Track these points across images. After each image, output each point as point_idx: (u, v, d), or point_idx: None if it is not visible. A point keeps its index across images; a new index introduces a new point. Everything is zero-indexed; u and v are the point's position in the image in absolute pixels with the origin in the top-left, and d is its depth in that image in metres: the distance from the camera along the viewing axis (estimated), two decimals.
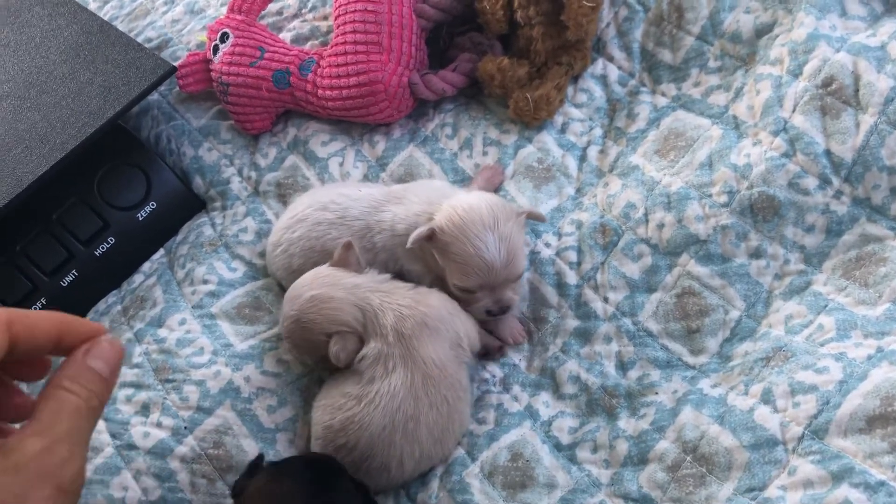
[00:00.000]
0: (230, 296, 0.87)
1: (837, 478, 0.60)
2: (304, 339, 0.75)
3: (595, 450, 0.72)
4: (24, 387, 0.55)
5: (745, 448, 0.66)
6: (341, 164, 0.95)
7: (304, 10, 1.09)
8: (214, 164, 1.00)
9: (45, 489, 0.42)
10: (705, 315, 0.76)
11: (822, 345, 0.69)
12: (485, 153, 0.92)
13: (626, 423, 0.73)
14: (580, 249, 0.82)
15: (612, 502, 0.69)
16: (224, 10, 1.05)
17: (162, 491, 0.75)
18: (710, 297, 0.76)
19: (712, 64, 0.87)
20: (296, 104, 0.97)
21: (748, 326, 0.75)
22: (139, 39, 1.13)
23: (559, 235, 0.84)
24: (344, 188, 0.86)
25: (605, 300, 0.79)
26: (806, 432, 0.64)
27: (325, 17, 1.07)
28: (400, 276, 0.80)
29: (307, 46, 1.04)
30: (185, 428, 0.77)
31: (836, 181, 0.75)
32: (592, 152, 0.90)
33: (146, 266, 0.95)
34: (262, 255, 0.91)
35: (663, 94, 0.90)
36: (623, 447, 0.71)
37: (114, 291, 0.94)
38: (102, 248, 0.94)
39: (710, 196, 0.78)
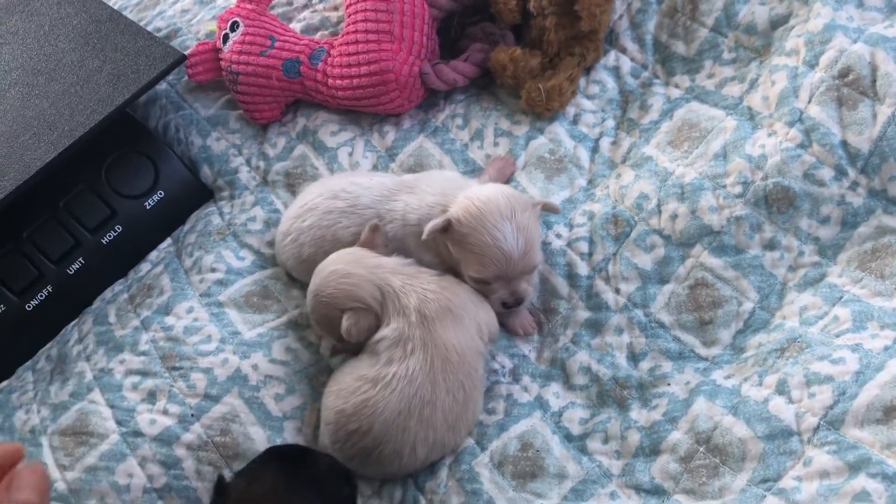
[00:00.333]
0: (238, 284, 0.86)
1: (854, 468, 0.60)
2: (323, 315, 0.75)
3: (606, 440, 0.72)
4: None
5: (760, 439, 0.65)
6: (350, 154, 0.94)
7: (314, 1, 1.09)
8: (223, 153, 0.99)
9: None
10: (718, 306, 0.75)
11: (837, 336, 0.68)
12: (496, 144, 0.91)
13: (637, 414, 0.72)
14: (592, 240, 0.81)
15: (623, 493, 0.68)
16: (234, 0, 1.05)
17: (167, 478, 0.74)
18: (724, 288, 0.75)
19: (726, 55, 0.87)
20: (305, 94, 0.97)
21: (762, 318, 0.74)
22: (148, 28, 1.13)
23: (570, 226, 0.83)
24: (355, 177, 0.86)
25: (617, 291, 0.79)
26: (822, 423, 0.63)
27: (336, 8, 1.06)
28: None
29: (317, 36, 1.04)
30: (192, 415, 0.76)
31: (851, 172, 0.74)
32: (604, 143, 0.89)
33: (153, 255, 0.94)
34: (271, 244, 0.90)
35: (676, 86, 0.89)
36: (635, 438, 0.70)
37: (120, 280, 0.94)
38: (109, 236, 0.93)
39: (725, 187, 0.77)
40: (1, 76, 1.00)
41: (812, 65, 0.78)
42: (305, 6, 1.09)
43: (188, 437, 0.75)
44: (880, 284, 0.70)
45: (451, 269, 0.78)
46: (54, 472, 0.74)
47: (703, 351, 0.74)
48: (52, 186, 0.92)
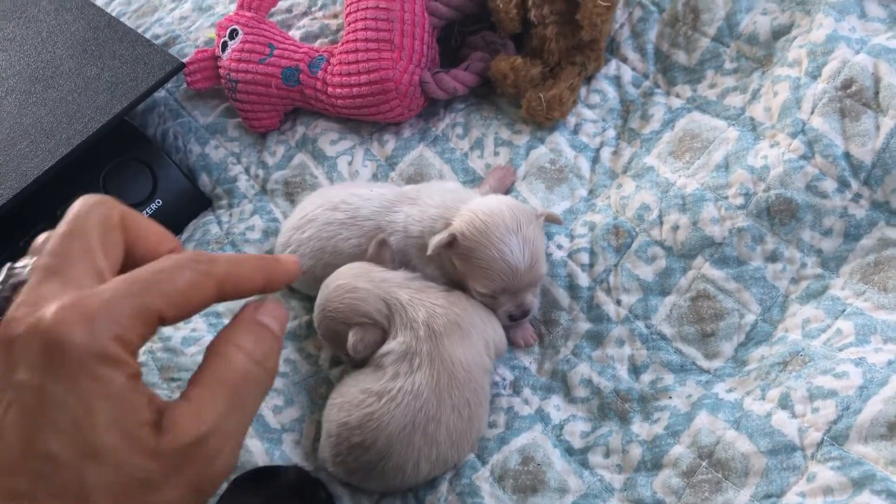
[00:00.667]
0: None
1: (858, 485, 0.59)
2: (330, 330, 0.74)
3: (608, 454, 0.71)
4: None
5: (763, 454, 0.64)
6: (350, 163, 0.94)
7: (313, 8, 1.09)
8: (221, 161, 0.99)
9: (179, 487, 0.36)
10: (720, 319, 0.75)
11: (840, 349, 0.68)
12: (496, 153, 0.90)
13: (639, 428, 0.71)
14: (592, 251, 0.81)
15: None
16: (233, 7, 1.05)
17: None
18: (725, 300, 0.75)
19: (728, 65, 0.86)
20: (305, 102, 0.96)
21: (764, 330, 0.74)
22: (147, 36, 1.12)
23: (571, 237, 0.83)
24: (355, 188, 0.85)
25: (618, 303, 0.78)
26: (825, 438, 0.63)
27: (336, 16, 1.06)
28: None
29: (316, 44, 1.03)
30: None
31: (854, 184, 0.74)
32: (605, 153, 0.88)
33: None
34: (270, 253, 0.89)
35: (678, 96, 0.89)
36: (636, 452, 0.70)
37: None
38: None
39: (726, 198, 0.77)
40: None
41: (814, 76, 0.77)
42: (305, 14, 1.08)
43: None
44: (883, 297, 0.69)
45: (454, 281, 0.77)
46: None
47: (704, 363, 0.74)
48: (49, 195, 0.92)
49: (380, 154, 0.94)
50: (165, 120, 1.03)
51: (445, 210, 0.77)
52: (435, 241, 0.73)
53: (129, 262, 0.41)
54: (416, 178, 0.91)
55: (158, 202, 0.95)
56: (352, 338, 0.72)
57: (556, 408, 0.75)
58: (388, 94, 0.90)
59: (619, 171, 0.87)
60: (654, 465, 0.69)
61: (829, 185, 0.74)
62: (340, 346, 0.74)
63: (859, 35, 0.78)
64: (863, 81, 0.74)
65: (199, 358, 0.79)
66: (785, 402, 0.66)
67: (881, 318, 0.68)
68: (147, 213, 0.94)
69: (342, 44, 0.93)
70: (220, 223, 0.94)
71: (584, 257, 0.81)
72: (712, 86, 0.87)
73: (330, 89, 0.93)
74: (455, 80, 0.92)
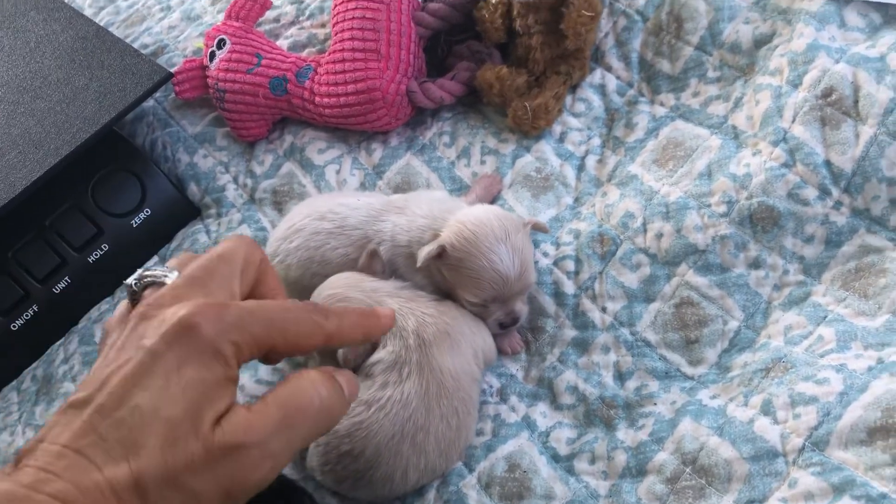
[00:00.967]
0: None
1: (839, 490, 0.60)
2: None
3: (593, 461, 0.72)
4: None
5: (745, 460, 0.65)
6: (338, 172, 0.94)
7: (301, 18, 1.09)
8: (210, 171, 0.99)
9: (213, 482, 0.41)
10: (704, 325, 0.75)
11: (821, 356, 0.68)
12: (483, 162, 0.91)
13: (624, 434, 0.72)
14: (578, 259, 0.82)
15: None
16: (221, 16, 1.05)
17: None
18: (709, 307, 0.76)
19: (711, 74, 0.87)
20: (292, 111, 0.97)
21: (747, 337, 0.74)
22: (135, 45, 1.13)
23: (557, 245, 0.84)
24: (342, 197, 0.85)
25: (603, 310, 0.79)
26: (806, 444, 0.63)
27: (323, 25, 1.07)
28: None
29: (304, 54, 1.04)
30: None
31: (835, 192, 0.75)
32: (591, 162, 0.89)
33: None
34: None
35: (662, 104, 0.89)
36: (621, 458, 0.70)
37: (107, 298, 0.94)
38: (96, 254, 0.93)
39: (709, 206, 0.78)
40: None
41: (796, 84, 0.78)
42: (292, 23, 1.09)
43: None
44: (864, 304, 0.70)
45: (443, 291, 0.78)
46: None
47: (689, 370, 0.75)
48: (38, 205, 0.92)
49: (367, 163, 0.95)
50: (154, 129, 1.04)
51: (433, 220, 0.77)
52: (424, 252, 0.74)
53: (249, 296, 0.50)
54: (403, 186, 0.92)
55: (147, 211, 0.96)
56: (342, 349, 0.72)
57: (542, 415, 0.76)
58: (376, 103, 0.91)
59: (604, 179, 0.88)
60: (638, 471, 0.69)
61: (810, 192, 0.75)
62: (330, 355, 0.75)
63: (839, 44, 0.79)
64: (842, 90, 0.75)
65: None
66: (767, 409, 0.67)
67: (861, 325, 0.69)
68: (136, 222, 0.94)
69: (329, 53, 0.94)
70: (208, 232, 0.95)
71: (570, 265, 0.82)
72: (696, 94, 0.87)
73: (317, 99, 0.93)
74: (442, 89, 0.93)
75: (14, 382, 0.89)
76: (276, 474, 0.44)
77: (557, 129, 0.92)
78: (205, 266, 0.47)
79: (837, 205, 0.75)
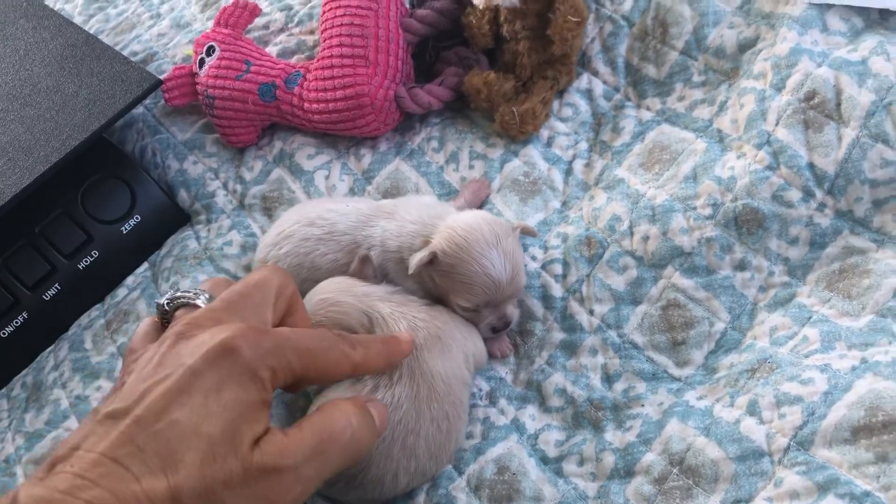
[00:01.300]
0: None
1: (823, 489, 0.60)
2: None
3: (581, 463, 0.72)
4: None
5: (732, 460, 0.66)
6: (327, 178, 0.95)
7: (290, 25, 1.10)
8: (199, 177, 0.99)
9: (247, 500, 0.42)
10: (690, 327, 0.76)
11: (806, 356, 0.69)
12: (471, 167, 0.92)
13: (612, 436, 0.73)
14: (565, 262, 0.82)
15: None
16: (210, 23, 1.06)
17: None
18: (695, 309, 0.76)
19: (696, 78, 0.88)
20: (282, 117, 0.98)
21: (733, 338, 0.75)
22: (125, 53, 1.13)
23: (545, 248, 0.84)
24: (331, 203, 0.86)
25: (591, 312, 0.79)
26: (792, 443, 0.64)
27: (312, 32, 1.07)
28: None
29: (293, 60, 1.05)
30: None
31: (819, 194, 0.76)
32: (578, 166, 0.90)
33: (130, 280, 0.94)
34: (248, 268, 0.90)
35: (648, 109, 0.90)
36: (609, 460, 0.71)
37: (97, 305, 0.94)
38: (86, 261, 0.93)
39: (695, 209, 0.79)
40: None
41: (779, 88, 0.79)
42: (281, 30, 1.09)
43: None
44: (847, 304, 0.71)
45: (433, 296, 0.78)
46: None
47: (675, 371, 0.75)
48: (27, 212, 0.92)
49: (357, 168, 0.95)
50: (144, 136, 1.04)
51: (423, 226, 0.78)
52: (416, 259, 0.74)
53: (280, 325, 0.52)
54: (392, 191, 0.92)
55: (137, 218, 0.96)
56: None
57: (531, 417, 0.76)
58: (364, 109, 0.91)
59: (592, 182, 0.88)
60: (626, 472, 0.70)
61: (794, 194, 0.76)
62: None
63: (821, 48, 0.79)
64: (825, 93, 0.76)
65: None
66: (753, 409, 0.67)
67: (845, 325, 0.70)
68: (126, 229, 0.95)
69: (318, 60, 0.94)
70: (198, 238, 0.95)
71: (558, 268, 0.82)
72: (681, 98, 0.88)
73: (306, 105, 0.94)
74: (430, 94, 0.93)
75: (4, 389, 0.89)
76: (304, 499, 0.45)
77: (545, 133, 0.92)
78: (241, 292, 0.50)
79: (821, 207, 0.76)
